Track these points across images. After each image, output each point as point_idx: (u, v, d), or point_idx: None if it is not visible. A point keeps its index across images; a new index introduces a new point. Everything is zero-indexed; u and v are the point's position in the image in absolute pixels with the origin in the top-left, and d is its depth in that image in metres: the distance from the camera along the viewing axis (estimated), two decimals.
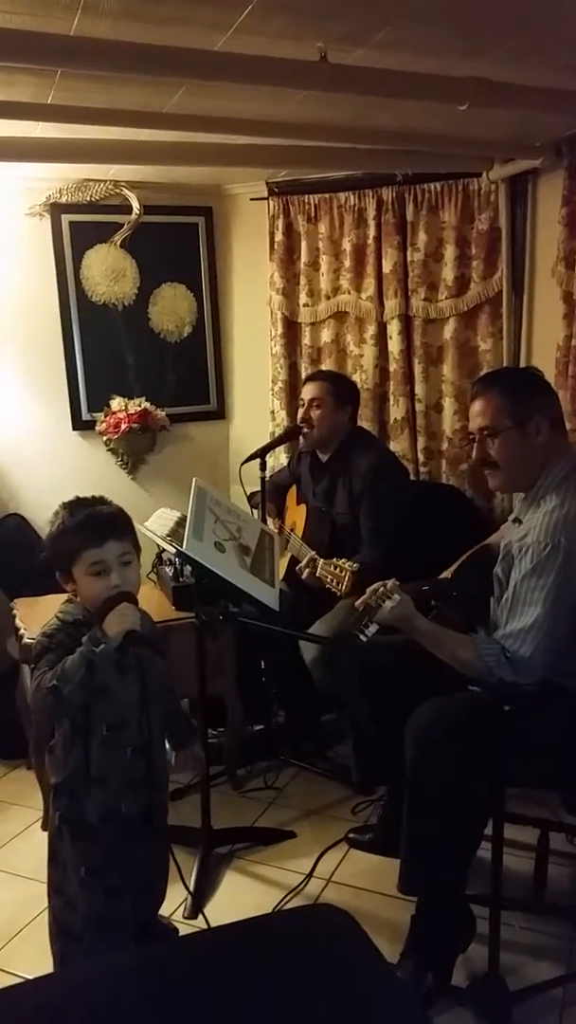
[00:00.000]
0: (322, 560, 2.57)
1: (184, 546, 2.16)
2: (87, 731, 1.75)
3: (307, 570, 2.68)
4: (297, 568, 2.75)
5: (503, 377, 2.22)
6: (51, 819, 1.84)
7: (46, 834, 1.86)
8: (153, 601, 3.07)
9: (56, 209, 3.56)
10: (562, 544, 1.90)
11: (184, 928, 2.27)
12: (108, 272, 3.71)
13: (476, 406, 2.09)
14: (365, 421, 3.54)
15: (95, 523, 1.75)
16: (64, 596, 1.85)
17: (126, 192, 3.57)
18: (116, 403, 3.73)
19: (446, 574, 2.43)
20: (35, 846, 1.84)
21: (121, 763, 1.78)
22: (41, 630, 1.78)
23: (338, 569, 2.41)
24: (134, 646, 1.67)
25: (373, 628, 1.99)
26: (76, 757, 1.76)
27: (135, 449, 3.83)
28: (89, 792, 1.76)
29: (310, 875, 2.49)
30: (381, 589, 2.01)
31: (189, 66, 1.98)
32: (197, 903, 2.36)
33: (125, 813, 1.78)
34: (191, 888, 2.39)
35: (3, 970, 2.14)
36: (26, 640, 2.64)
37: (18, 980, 2.01)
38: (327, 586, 2.47)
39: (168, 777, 1.94)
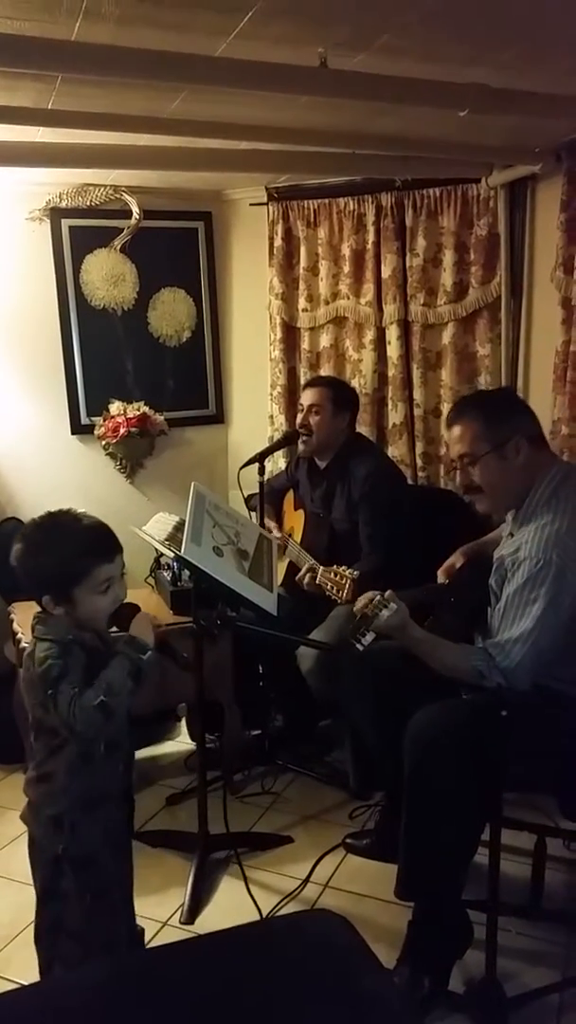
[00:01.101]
0: (322, 567, 2.57)
1: (183, 550, 2.16)
2: (90, 753, 1.71)
3: (307, 576, 2.67)
4: (297, 577, 2.75)
5: (476, 402, 2.21)
6: (42, 855, 1.75)
7: None
8: (151, 605, 3.07)
9: (56, 214, 3.57)
10: (554, 560, 1.93)
11: (181, 934, 2.27)
12: (108, 277, 3.71)
13: (453, 433, 2.12)
14: (363, 426, 3.54)
15: (103, 539, 1.71)
16: None
17: (126, 197, 3.58)
18: (115, 407, 3.73)
19: (440, 574, 2.44)
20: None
21: (117, 779, 1.79)
22: (42, 655, 1.66)
23: (338, 576, 2.41)
24: (165, 650, 1.72)
25: (370, 637, 2.00)
26: (81, 782, 1.71)
27: (134, 453, 3.83)
28: (94, 816, 1.72)
29: (307, 880, 2.49)
30: (377, 598, 2.02)
31: (190, 71, 1.98)
32: (193, 908, 2.36)
33: (121, 827, 1.80)
34: (188, 893, 2.39)
35: (0, 976, 2.14)
36: (23, 645, 2.63)
37: (14, 986, 2.00)
38: (327, 594, 2.47)
39: None
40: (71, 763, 1.70)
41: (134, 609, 1.76)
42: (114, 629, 1.79)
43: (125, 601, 1.75)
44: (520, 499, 2.08)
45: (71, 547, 1.68)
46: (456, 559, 2.47)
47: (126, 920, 1.86)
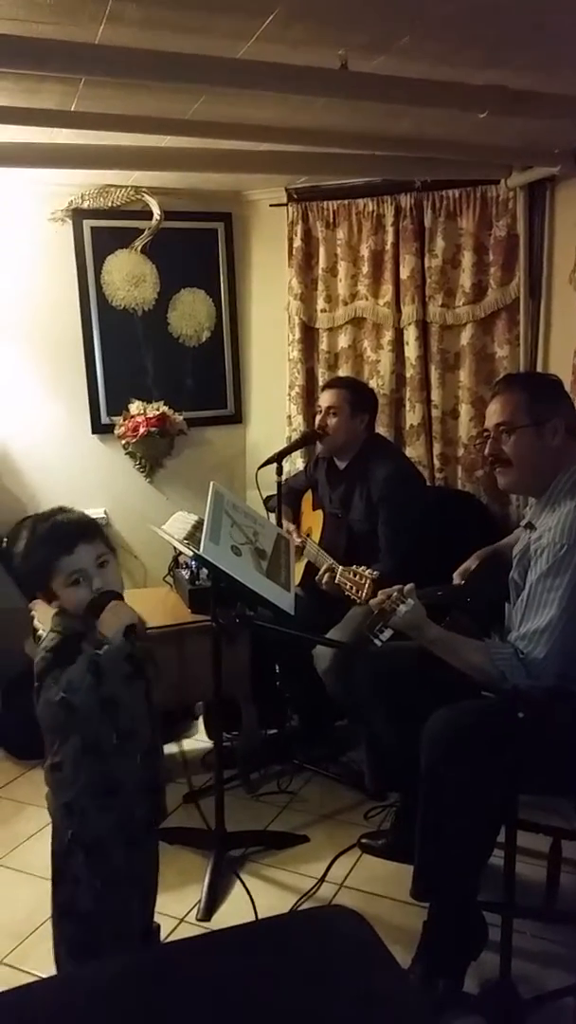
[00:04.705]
0: (341, 567, 2.57)
1: (201, 549, 2.17)
2: (97, 744, 1.71)
3: (327, 575, 2.68)
4: (316, 576, 2.75)
5: (527, 378, 2.24)
6: (57, 838, 1.78)
7: None
8: (169, 604, 3.09)
9: (78, 214, 3.60)
10: None
11: (197, 931, 2.28)
12: (128, 277, 3.74)
13: (496, 403, 2.10)
14: (381, 427, 3.55)
15: (62, 531, 1.70)
16: None
17: (147, 198, 3.60)
18: (135, 407, 3.76)
19: (456, 576, 2.43)
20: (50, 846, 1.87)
21: (134, 770, 1.76)
22: (42, 645, 1.72)
23: (358, 576, 2.41)
24: (138, 639, 1.64)
25: (387, 633, 1.99)
26: (88, 772, 1.72)
27: (153, 453, 3.85)
28: (104, 804, 1.73)
29: (322, 879, 2.50)
30: (396, 594, 2.01)
31: (211, 74, 2.00)
32: (210, 905, 2.37)
33: (137, 819, 1.77)
34: (204, 890, 2.40)
35: (18, 968, 2.16)
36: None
37: (32, 978, 2.03)
38: (346, 593, 2.48)
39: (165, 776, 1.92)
40: (76, 753, 1.71)
41: (107, 599, 1.68)
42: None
43: (106, 590, 1.69)
44: (543, 484, 2.07)
45: (34, 544, 1.74)
46: (472, 561, 2.46)
47: (141, 915, 1.86)
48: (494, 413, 2.09)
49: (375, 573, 2.39)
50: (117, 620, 1.64)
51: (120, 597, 1.71)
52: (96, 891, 1.74)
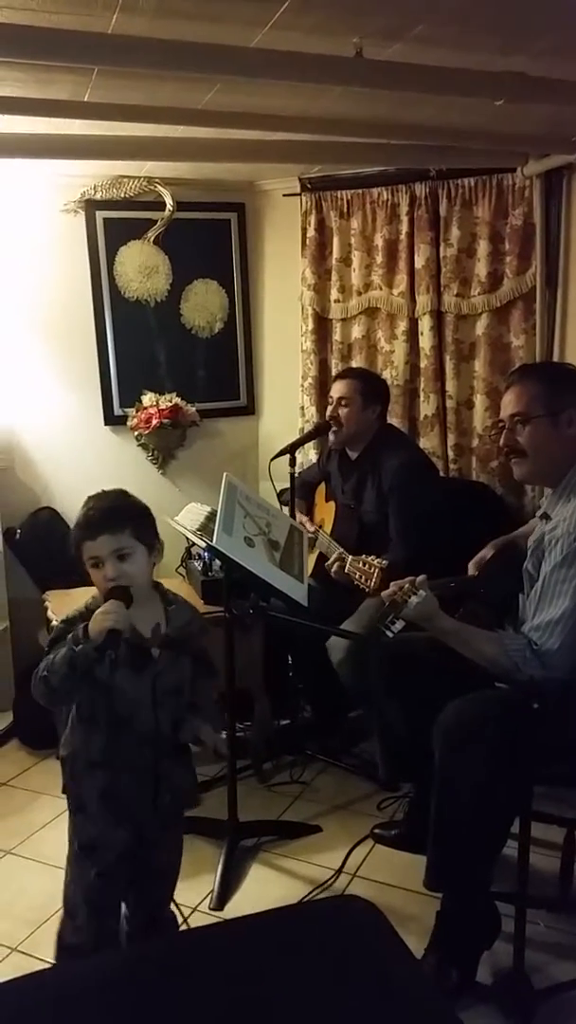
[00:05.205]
0: (351, 556, 2.57)
1: (214, 540, 2.18)
2: (93, 716, 1.79)
3: (336, 565, 2.68)
4: (326, 564, 2.75)
5: (541, 367, 2.23)
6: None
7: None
8: (182, 595, 3.09)
9: (91, 206, 3.60)
10: None
11: (210, 920, 2.29)
12: (141, 268, 3.74)
13: (510, 393, 2.09)
14: (395, 417, 3.53)
15: (89, 518, 1.78)
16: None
17: (160, 189, 3.59)
18: (147, 398, 3.76)
19: (471, 567, 2.43)
20: (64, 835, 1.87)
21: (126, 751, 1.79)
22: (64, 615, 1.84)
23: (367, 566, 2.41)
24: (111, 648, 1.66)
25: (399, 625, 1.99)
26: (80, 739, 1.81)
27: (166, 444, 3.85)
28: (91, 773, 1.80)
29: (339, 870, 2.50)
30: (407, 585, 2.01)
31: (225, 63, 1.98)
32: (223, 895, 2.39)
33: (124, 799, 1.79)
34: (217, 880, 2.41)
35: (31, 955, 2.18)
36: None
37: (45, 966, 2.05)
38: (355, 583, 2.47)
39: (187, 768, 1.91)
40: (71, 718, 1.83)
41: (113, 594, 1.73)
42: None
43: (118, 585, 1.74)
44: (559, 473, 2.06)
45: (74, 524, 1.82)
46: (487, 551, 2.46)
47: (139, 898, 1.90)
48: (509, 403, 2.09)
49: (384, 562, 2.39)
50: (101, 623, 1.68)
51: (127, 593, 1.74)
52: (74, 852, 1.84)
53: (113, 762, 1.79)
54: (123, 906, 1.91)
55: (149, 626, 1.81)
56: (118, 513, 1.79)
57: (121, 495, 1.84)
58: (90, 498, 1.83)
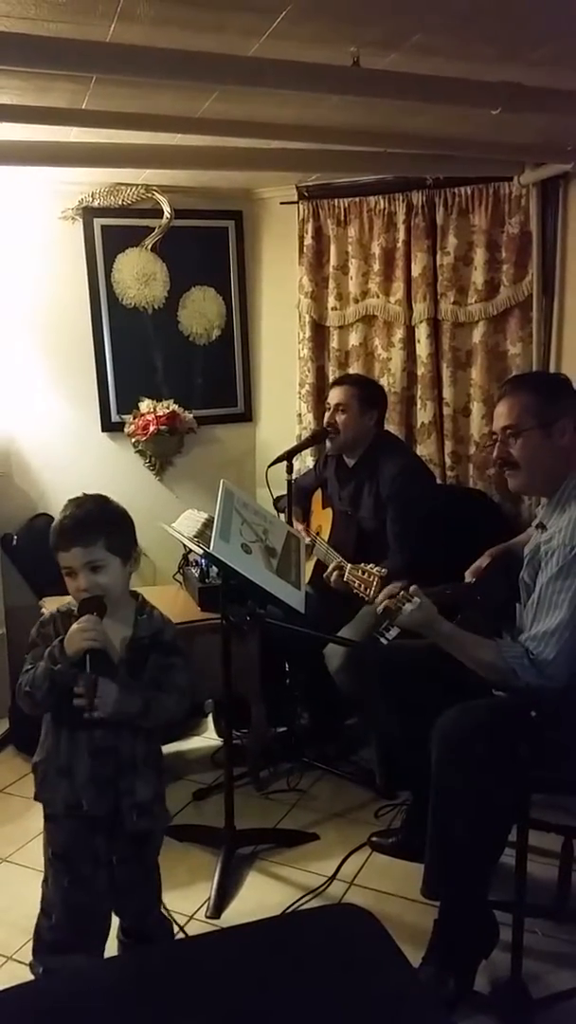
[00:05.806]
0: (350, 565, 2.57)
1: (211, 547, 2.18)
2: (59, 724, 1.81)
3: (335, 573, 2.68)
4: (325, 574, 2.75)
5: (533, 378, 2.23)
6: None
7: None
8: (179, 602, 3.10)
9: (88, 213, 3.60)
10: None
11: (207, 928, 2.28)
12: (139, 275, 3.74)
13: (502, 406, 2.09)
14: (392, 425, 3.54)
15: (63, 527, 1.77)
16: None
17: (157, 196, 3.60)
18: (145, 405, 3.76)
19: (468, 575, 2.43)
20: None
21: (85, 760, 1.79)
22: (40, 619, 1.86)
23: (366, 574, 2.41)
24: (93, 670, 1.65)
25: (394, 632, 1.99)
26: (51, 745, 1.82)
27: (163, 451, 3.85)
28: (57, 782, 1.81)
29: (333, 877, 2.49)
30: (402, 593, 2.01)
31: (223, 72, 2.00)
32: (219, 903, 2.38)
33: (87, 810, 1.79)
34: (214, 888, 2.40)
35: (26, 964, 2.16)
36: None
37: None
38: (355, 591, 2.48)
39: (148, 783, 1.85)
40: (48, 720, 1.84)
41: (84, 608, 1.72)
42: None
43: (92, 596, 1.74)
44: (554, 484, 2.06)
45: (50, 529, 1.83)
46: (484, 559, 2.46)
47: (119, 907, 1.91)
48: (501, 416, 2.09)
49: (383, 571, 2.40)
50: (79, 643, 1.68)
51: (101, 604, 1.73)
52: (48, 858, 1.87)
53: (75, 771, 1.79)
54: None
55: (118, 637, 1.80)
56: (91, 525, 1.76)
57: (98, 503, 1.82)
58: (68, 503, 1.82)
